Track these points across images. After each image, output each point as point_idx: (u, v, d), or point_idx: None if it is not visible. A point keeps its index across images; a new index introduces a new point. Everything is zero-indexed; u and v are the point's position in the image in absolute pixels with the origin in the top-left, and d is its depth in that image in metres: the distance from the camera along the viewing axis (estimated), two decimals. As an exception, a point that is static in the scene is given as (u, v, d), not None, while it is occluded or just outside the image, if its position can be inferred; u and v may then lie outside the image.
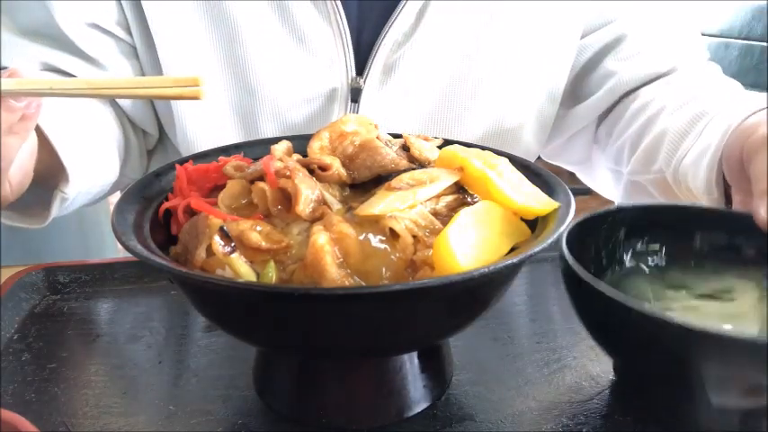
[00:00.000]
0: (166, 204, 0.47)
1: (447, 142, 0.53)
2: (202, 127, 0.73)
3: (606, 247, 0.53)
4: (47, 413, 0.47)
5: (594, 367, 0.51)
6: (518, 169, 0.48)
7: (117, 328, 0.58)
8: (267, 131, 0.73)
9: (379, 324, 0.40)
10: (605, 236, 0.53)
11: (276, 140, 0.51)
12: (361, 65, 0.72)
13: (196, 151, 0.68)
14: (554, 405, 0.47)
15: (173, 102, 0.72)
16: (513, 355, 0.53)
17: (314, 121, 0.73)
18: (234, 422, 0.46)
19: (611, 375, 0.50)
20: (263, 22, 0.69)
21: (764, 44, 3.37)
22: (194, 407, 0.48)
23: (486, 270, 0.37)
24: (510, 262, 0.38)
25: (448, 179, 0.45)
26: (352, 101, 0.72)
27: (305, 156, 0.49)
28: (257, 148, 0.54)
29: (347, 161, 0.48)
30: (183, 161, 0.51)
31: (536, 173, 0.49)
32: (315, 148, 0.49)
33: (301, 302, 0.38)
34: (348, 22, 0.70)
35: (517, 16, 0.73)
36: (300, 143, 0.51)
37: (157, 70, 0.71)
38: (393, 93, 0.73)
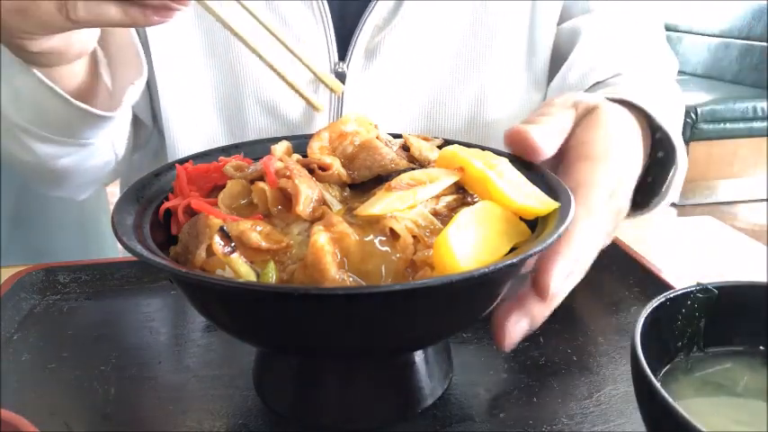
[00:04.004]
0: (166, 204, 0.47)
1: (447, 142, 0.53)
2: (185, 110, 0.74)
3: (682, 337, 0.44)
4: (47, 413, 0.47)
5: (594, 367, 0.51)
6: (519, 169, 0.48)
7: (117, 328, 0.58)
8: (251, 116, 0.74)
9: (379, 324, 0.40)
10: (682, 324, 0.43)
11: (276, 140, 0.51)
12: (344, 50, 0.73)
13: (178, 136, 0.72)
14: (553, 405, 0.47)
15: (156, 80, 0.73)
16: (513, 354, 0.53)
17: (299, 105, 0.74)
18: (234, 422, 0.46)
19: (608, 375, 0.50)
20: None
21: (764, 44, 3.38)
22: (194, 407, 0.48)
23: (487, 270, 0.37)
24: (510, 262, 0.38)
25: (448, 179, 0.45)
26: None
27: (305, 156, 0.49)
28: (257, 148, 0.54)
29: (347, 161, 0.48)
30: (182, 161, 0.51)
31: (537, 172, 0.49)
32: (315, 148, 0.49)
33: (301, 302, 0.37)
34: (330, 8, 0.71)
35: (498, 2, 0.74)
36: (300, 143, 0.51)
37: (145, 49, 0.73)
38: (376, 78, 0.74)
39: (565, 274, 0.45)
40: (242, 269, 0.40)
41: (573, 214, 0.43)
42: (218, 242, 0.40)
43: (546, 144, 0.50)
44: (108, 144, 0.70)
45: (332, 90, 0.57)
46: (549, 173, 0.49)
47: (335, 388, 0.47)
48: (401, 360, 0.47)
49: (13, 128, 0.63)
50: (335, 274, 0.39)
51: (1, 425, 0.33)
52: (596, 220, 0.47)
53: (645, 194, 0.62)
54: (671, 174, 0.61)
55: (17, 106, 0.60)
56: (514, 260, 0.38)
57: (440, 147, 0.52)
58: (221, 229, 0.41)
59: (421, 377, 0.47)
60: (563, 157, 0.52)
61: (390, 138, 0.53)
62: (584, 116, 0.54)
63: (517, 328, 0.45)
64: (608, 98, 0.56)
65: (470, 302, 0.42)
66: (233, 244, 0.41)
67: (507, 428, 0.45)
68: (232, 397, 0.48)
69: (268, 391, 0.48)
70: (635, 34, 0.77)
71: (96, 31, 0.52)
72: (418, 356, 0.47)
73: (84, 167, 0.71)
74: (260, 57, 0.51)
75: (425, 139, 0.53)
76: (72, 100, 0.58)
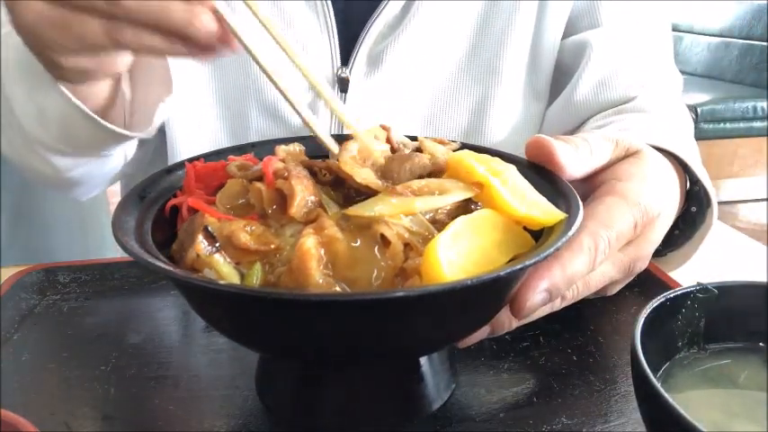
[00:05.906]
0: (172, 201, 0.47)
1: (464, 146, 0.51)
2: (187, 112, 0.74)
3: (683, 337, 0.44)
4: (47, 413, 0.47)
5: (594, 367, 0.51)
6: (533, 175, 0.46)
7: (117, 328, 0.58)
8: (254, 119, 0.74)
9: (358, 333, 0.38)
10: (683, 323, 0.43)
11: (290, 141, 0.51)
12: (347, 55, 0.73)
13: (179, 137, 0.72)
14: (553, 405, 0.47)
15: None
16: (513, 354, 0.53)
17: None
18: (234, 422, 0.46)
19: (608, 375, 0.50)
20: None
21: (764, 44, 3.38)
22: (194, 407, 0.48)
23: (469, 282, 0.34)
24: (496, 275, 0.36)
25: (460, 194, 0.43)
26: (340, 90, 0.73)
27: (314, 158, 0.48)
28: (271, 148, 0.53)
29: (379, 171, 0.46)
30: (195, 158, 0.51)
31: (551, 180, 0.47)
32: (346, 158, 0.46)
33: (271, 307, 0.37)
34: (335, 13, 0.71)
35: (504, 11, 0.74)
36: (312, 144, 0.51)
37: None
38: (379, 84, 0.74)
39: (545, 300, 0.43)
40: (224, 269, 0.40)
41: (577, 226, 0.40)
42: (201, 242, 0.40)
43: (571, 163, 0.48)
44: (121, 150, 0.70)
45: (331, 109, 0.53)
46: (563, 180, 0.47)
47: (336, 389, 0.47)
48: (404, 365, 0.46)
49: (35, 143, 0.63)
50: (319, 280, 0.38)
51: (1, 425, 0.33)
52: (598, 257, 0.45)
53: (665, 244, 0.60)
54: (698, 230, 0.61)
55: (41, 123, 0.60)
56: (501, 273, 0.36)
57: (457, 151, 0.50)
58: (205, 229, 0.41)
59: (422, 379, 0.47)
60: (593, 189, 0.51)
61: (406, 140, 0.52)
62: (625, 156, 0.53)
63: (479, 331, 0.45)
64: (651, 145, 0.55)
65: (458, 315, 0.40)
66: (217, 244, 0.40)
67: (507, 428, 0.45)
68: (232, 397, 0.48)
69: (268, 391, 0.48)
70: (646, 51, 0.76)
71: (130, 56, 0.50)
72: (422, 361, 0.47)
73: (97, 173, 0.72)
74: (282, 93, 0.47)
75: (441, 142, 0.52)
76: (103, 122, 0.57)
